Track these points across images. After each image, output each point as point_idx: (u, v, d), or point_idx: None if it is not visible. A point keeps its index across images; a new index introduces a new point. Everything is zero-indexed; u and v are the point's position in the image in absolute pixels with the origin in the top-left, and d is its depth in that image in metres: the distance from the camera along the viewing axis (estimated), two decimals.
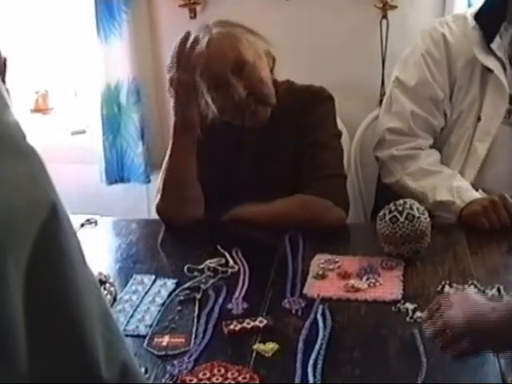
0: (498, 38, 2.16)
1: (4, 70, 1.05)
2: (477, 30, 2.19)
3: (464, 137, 2.23)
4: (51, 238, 0.67)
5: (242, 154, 2.11)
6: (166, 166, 2.04)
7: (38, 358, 0.65)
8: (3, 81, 1.04)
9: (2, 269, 0.61)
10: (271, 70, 2.11)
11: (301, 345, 1.39)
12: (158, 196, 2.06)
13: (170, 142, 2.04)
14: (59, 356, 0.68)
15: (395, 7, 2.86)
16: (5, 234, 0.62)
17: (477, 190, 2.12)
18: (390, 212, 1.75)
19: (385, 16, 2.90)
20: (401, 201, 1.77)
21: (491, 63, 2.16)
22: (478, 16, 2.20)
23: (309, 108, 2.09)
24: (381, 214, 1.78)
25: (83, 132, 3.54)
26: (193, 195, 2.05)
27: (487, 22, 2.18)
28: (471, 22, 2.22)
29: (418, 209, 1.75)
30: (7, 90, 1.02)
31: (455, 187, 2.09)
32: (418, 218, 1.74)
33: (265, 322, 1.47)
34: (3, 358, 0.63)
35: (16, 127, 0.68)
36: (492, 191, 2.12)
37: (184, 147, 2.02)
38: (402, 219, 1.73)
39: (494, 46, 2.15)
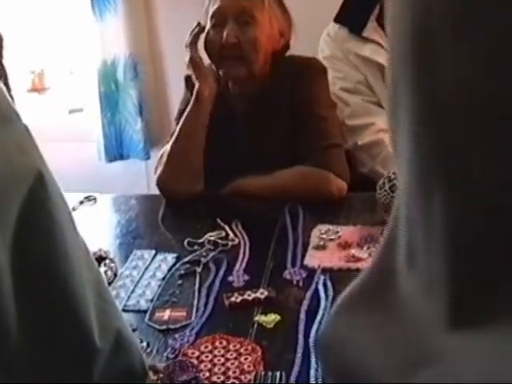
0: (370, 24, 2.31)
1: (1, 50, 1.04)
2: (343, 29, 2.37)
3: None
4: (39, 204, 0.66)
5: (235, 126, 2.10)
6: (175, 138, 2.05)
7: (28, 327, 0.65)
8: (0, 60, 1.03)
9: None
10: (276, 50, 2.10)
11: (302, 315, 1.38)
12: (160, 168, 2.05)
13: (184, 116, 2.05)
14: (50, 324, 0.67)
15: None
16: None
17: None
18: (390, 181, 1.74)
19: None
20: None
21: (374, 53, 2.31)
22: (339, 17, 2.38)
23: (303, 80, 2.07)
24: (380, 182, 1.77)
25: (81, 110, 3.53)
26: (196, 170, 2.05)
27: (351, 16, 2.36)
28: (333, 26, 2.41)
29: None
30: (5, 70, 1.01)
31: None
32: None
33: (266, 293, 1.46)
34: None
35: (2, 96, 0.66)
36: None
37: (194, 121, 2.04)
38: None
39: (365, 33, 2.31)
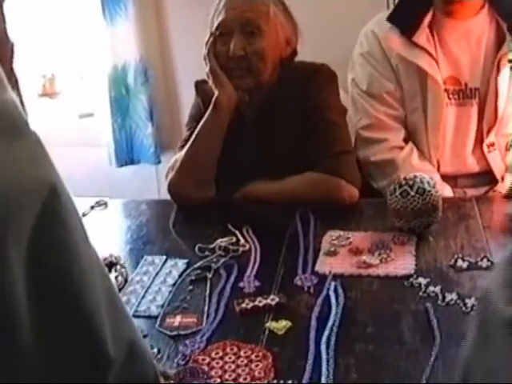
0: (421, 30, 2.26)
1: (11, 56, 1.04)
2: (394, 30, 2.30)
3: (417, 129, 2.37)
4: (53, 216, 0.66)
5: (245, 132, 2.10)
6: (191, 145, 2.04)
7: (42, 336, 0.65)
8: (11, 66, 1.03)
9: (2, 247, 0.60)
10: (283, 58, 2.10)
11: (313, 322, 1.38)
12: (173, 173, 2.05)
13: (201, 123, 2.05)
14: (65, 334, 0.67)
15: None
16: (4, 213, 0.61)
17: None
18: (401, 186, 1.74)
19: None
20: (411, 175, 1.75)
21: (419, 59, 2.27)
22: (392, 17, 2.32)
23: (313, 86, 2.07)
24: (391, 188, 1.76)
25: (91, 115, 3.53)
26: (209, 177, 2.05)
27: (404, 18, 2.30)
28: (380, 24, 2.34)
29: (428, 182, 1.74)
30: (15, 75, 1.01)
31: None
32: (429, 191, 1.72)
33: (277, 299, 1.46)
34: (5, 336, 0.62)
35: (14, 107, 0.66)
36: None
37: (211, 129, 2.04)
38: (412, 193, 1.72)
39: (415, 38, 2.26)
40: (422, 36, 2.26)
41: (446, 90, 2.28)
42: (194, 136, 2.04)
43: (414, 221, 1.73)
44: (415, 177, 1.74)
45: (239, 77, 2.03)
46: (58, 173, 0.68)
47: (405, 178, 1.75)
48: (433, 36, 2.28)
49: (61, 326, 0.67)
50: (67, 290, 0.67)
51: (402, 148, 2.34)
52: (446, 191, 2.23)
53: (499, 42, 2.26)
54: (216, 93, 2.03)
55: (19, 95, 1.00)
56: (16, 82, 1.02)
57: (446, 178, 2.35)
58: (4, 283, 0.61)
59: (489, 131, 2.31)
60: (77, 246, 0.68)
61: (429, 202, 1.72)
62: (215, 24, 2.03)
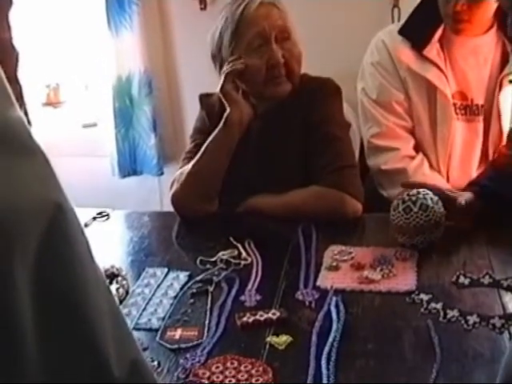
0: (432, 44, 2.28)
1: (16, 65, 1.05)
2: (406, 43, 2.33)
3: (423, 142, 2.39)
4: (59, 235, 0.66)
5: (249, 145, 2.09)
6: (198, 159, 2.04)
7: (47, 356, 0.65)
8: (15, 76, 1.03)
9: (8, 265, 0.60)
10: None
11: (314, 337, 1.37)
12: (177, 186, 2.05)
13: (210, 138, 2.05)
14: (69, 354, 0.67)
15: None
16: (10, 231, 0.61)
17: None
18: (404, 202, 1.74)
19: (396, 5, 2.89)
20: (414, 191, 1.75)
21: (429, 72, 2.29)
22: (404, 30, 2.34)
23: (318, 100, 2.07)
24: (394, 203, 1.76)
25: (95, 125, 3.53)
26: (213, 192, 2.05)
27: (416, 31, 2.32)
28: (392, 35, 2.36)
29: (431, 199, 1.74)
30: (20, 84, 1.01)
31: None
32: (432, 208, 1.72)
33: (278, 314, 1.46)
34: (10, 355, 0.62)
35: (21, 125, 0.67)
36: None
37: (221, 146, 2.04)
38: (415, 209, 1.71)
39: (426, 52, 2.28)
40: (433, 50, 2.28)
41: (453, 105, 2.30)
42: (202, 150, 2.04)
43: (417, 237, 1.73)
44: (418, 193, 1.74)
45: (278, 83, 2.04)
46: (63, 190, 0.69)
47: (408, 194, 1.75)
48: (443, 51, 2.30)
49: (65, 345, 0.67)
50: (72, 309, 0.67)
51: (413, 157, 2.35)
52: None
53: (504, 62, 2.28)
54: (228, 110, 2.02)
55: (23, 104, 1.00)
56: (20, 90, 1.02)
57: None
58: (10, 301, 0.61)
59: (495, 153, 2.31)
60: (82, 265, 0.69)
61: (432, 219, 1.72)
62: (246, 37, 2.02)
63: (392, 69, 2.36)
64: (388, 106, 2.37)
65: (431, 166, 2.37)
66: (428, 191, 1.77)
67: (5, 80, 0.67)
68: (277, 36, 2.01)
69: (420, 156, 2.36)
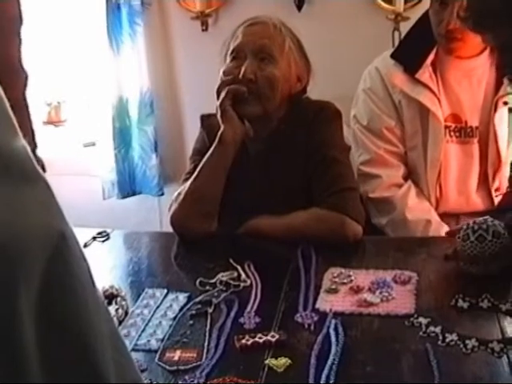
0: (424, 67, 2.31)
1: (25, 87, 1.05)
2: (398, 67, 2.36)
3: (417, 166, 2.41)
4: (62, 263, 0.66)
5: (249, 167, 2.11)
6: (195, 178, 2.05)
7: (51, 382, 0.65)
8: (23, 96, 1.04)
9: (12, 292, 0.61)
10: (292, 94, 2.11)
11: (313, 360, 1.37)
12: (175, 206, 2.05)
13: (206, 157, 2.06)
14: (71, 379, 0.68)
15: (407, 19, 2.87)
16: (15, 258, 0.61)
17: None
18: (475, 231, 1.70)
19: (397, 28, 2.90)
20: (481, 219, 1.72)
21: (421, 95, 2.31)
22: (396, 54, 2.39)
23: (318, 123, 2.08)
24: (461, 234, 1.72)
25: (93, 144, 3.54)
26: (212, 211, 2.05)
27: (408, 55, 2.36)
28: (385, 61, 2.40)
29: (499, 225, 1.71)
30: (27, 106, 1.02)
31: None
32: (504, 234, 1.69)
33: (277, 336, 1.46)
34: (14, 381, 0.62)
35: (25, 154, 0.67)
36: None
37: (216, 163, 2.04)
38: (489, 237, 1.68)
39: (418, 75, 2.31)
40: (425, 74, 2.30)
41: (447, 127, 2.31)
42: (198, 169, 2.05)
43: (491, 264, 1.69)
44: (485, 220, 1.71)
45: (244, 102, 2.04)
46: (65, 217, 0.69)
47: (475, 222, 1.72)
48: (435, 74, 2.32)
49: (68, 371, 0.67)
50: (74, 335, 0.67)
51: (400, 186, 2.36)
52: (443, 231, 2.21)
53: (498, 84, 2.30)
54: (222, 127, 2.04)
55: (30, 122, 1.01)
56: (27, 110, 1.03)
57: (447, 215, 2.37)
58: (15, 328, 0.61)
59: (494, 175, 2.32)
60: (84, 292, 0.69)
61: (505, 245, 1.68)
62: (231, 47, 2.06)
63: (384, 95, 2.39)
64: (378, 133, 2.40)
65: (422, 191, 2.39)
66: (492, 218, 1.74)
67: (9, 109, 0.68)
68: (256, 54, 2.02)
69: (407, 185, 2.38)
